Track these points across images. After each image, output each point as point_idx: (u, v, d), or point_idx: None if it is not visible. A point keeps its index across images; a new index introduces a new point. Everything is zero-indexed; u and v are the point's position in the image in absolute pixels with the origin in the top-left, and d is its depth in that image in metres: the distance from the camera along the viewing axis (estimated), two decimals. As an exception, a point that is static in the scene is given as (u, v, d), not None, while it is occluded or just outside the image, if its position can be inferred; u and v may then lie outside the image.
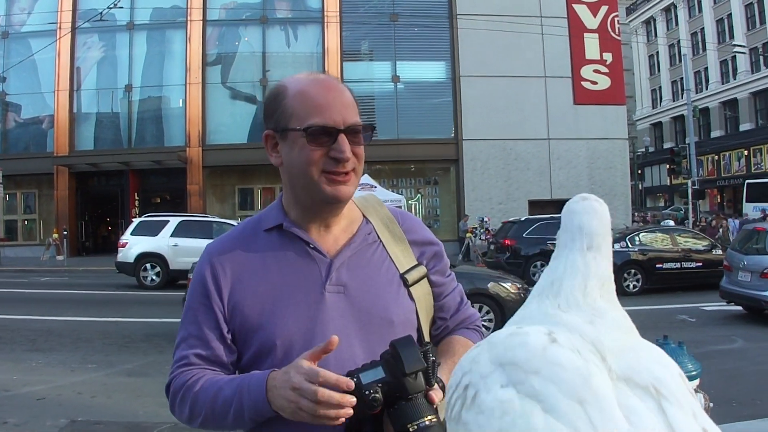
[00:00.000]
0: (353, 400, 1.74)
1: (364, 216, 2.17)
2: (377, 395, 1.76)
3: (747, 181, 43.64)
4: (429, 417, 1.76)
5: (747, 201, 41.38)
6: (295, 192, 2.05)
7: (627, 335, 1.35)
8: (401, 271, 2.10)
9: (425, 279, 2.14)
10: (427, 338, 2.14)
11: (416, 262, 2.15)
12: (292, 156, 1.99)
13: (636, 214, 46.44)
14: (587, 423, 1.15)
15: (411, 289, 2.09)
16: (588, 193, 1.52)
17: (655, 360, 1.30)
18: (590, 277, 1.39)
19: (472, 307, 2.32)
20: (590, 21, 36.59)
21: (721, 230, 33.61)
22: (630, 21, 78.50)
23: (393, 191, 32.45)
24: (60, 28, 35.33)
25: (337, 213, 2.08)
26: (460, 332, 2.24)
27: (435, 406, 1.81)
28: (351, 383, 1.74)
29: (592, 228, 1.44)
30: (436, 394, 1.82)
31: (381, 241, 2.13)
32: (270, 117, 2.04)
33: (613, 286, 1.43)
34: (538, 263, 22.55)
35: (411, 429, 1.75)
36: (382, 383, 1.77)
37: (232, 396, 1.87)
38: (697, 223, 37.44)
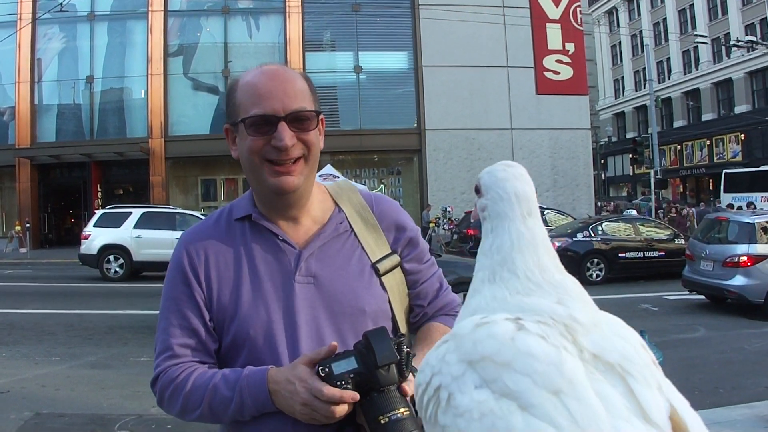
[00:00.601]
0: (350, 408, 1.80)
1: (336, 204, 2.17)
2: (348, 386, 1.78)
3: (725, 171, 43.00)
4: (401, 409, 1.77)
5: (725, 191, 40.83)
6: (251, 183, 2.08)
7: (593, 310, 1.35)
8: (373, 261, 2.09)
9: (398, 268, 2.14)
10: (403, 327, 2.14)
11: (389, 251, 2.14)
12: (241, 147, 2.01)
13: (601, 203, 46.60)
14: (567, 415, 1.15)
15: (383, 278, 2.09)
16: (509, 161, 1.50)
17: (617, 334, 1.31)
18: (539, 247, 1.39)
19: (455, 295, 2.30)
20: (552, 11, 36.73)
21: (688, 220, 33.71)
22: (592, 11, 78.77)
23: (356, 181, 32.40)
24: (20, 19, 34.92)
25: (298, 204, 2.08)
26: (439, 319, 2.21)
27: (408, 399, 1.81)
28: (356, 395, 1.78)
29: (527, 194, 1.43)
30: (409, 386, 1.82)
31: (353, 230, 2.12)
32: (227, 111, 2.06)
33: (555, 251, 1.43)
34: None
35: (382, 421, 1.76)
36: (354, 374, 1.79)
37: (230, 396, 1.89)
38: (667, 213, 37.52)
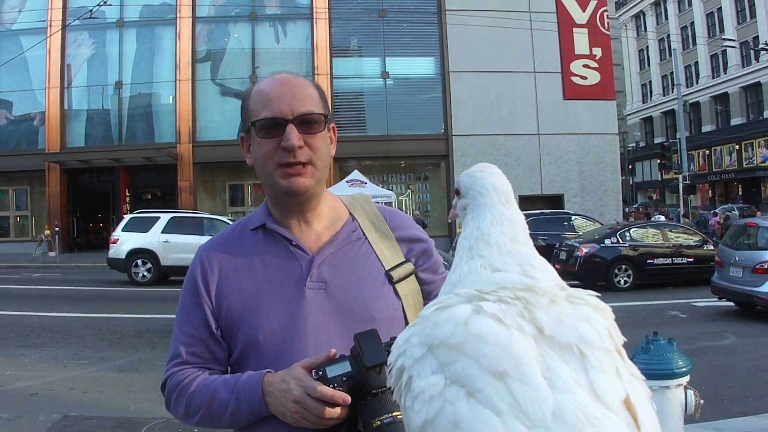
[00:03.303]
0: (344, 413, 1.81)
1: (350, 214, 2.19)
2: (341, 389, 1.78)
3: None
4: (395, 413, 1.75)
5: None
6: (265, 189, 2.12)
7: (559, 284, 1.42)
8: (387, 268, 2.10)
9: (413, 276, 2.14)
10: None
11: (403, 259, 2.15)
12: (255, 153, 2.06)
13: (629, 209, 46.19)
14: (509, 399, 1.20)
15: (397, 286, 2.10)
16: (485, 164, 1.71)
17: (580, 315, 1.33)
18: (516, 223, 1.51)
19: None
20: (579, 16, 36.58)
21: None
22: (619, 15, 78.52)
23: (383, 187, 32.49)
24: (50, 25, 35.32)
25: (310, 207, 2.11)
26: None
27: None
28: (347, 398, 1.78)
29: (504, 186, 1.59)
30: None
31: (366, 238, 2.14)
32: (242, 120, 2.13)
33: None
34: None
35: (375, 424, 1.76)
36: (347, 377, 1.79)
37: (228, 399, 1.93)
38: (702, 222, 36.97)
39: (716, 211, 42.62)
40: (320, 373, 1.80)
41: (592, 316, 1.35)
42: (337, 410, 1.78)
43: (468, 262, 1.47)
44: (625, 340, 1.39)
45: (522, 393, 1.20)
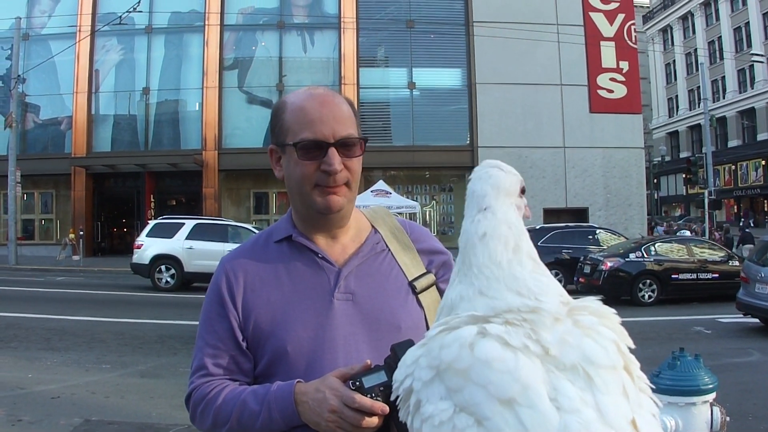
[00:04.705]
0: (380, 422, 1.81)
1: (372, 226, 2.20)
2: (379, 399, 1.79)
3: None
4: None
5: None
6: (295, 204, 2.11)
7: (563, 302, 1.40)
8: (410, 279, 2.12)
9: (434, 287, 2.15)
10: None
11: (425, 270, 2.17)
12: (290, 170, 2.04)
13: (656, 222, 45.97)
14: (517, 426, 1.23)
15: (420, 296, 2.11)
16: (496, 160, 1.57)
17: (584, 332, 1.34)
18: (490, 241, 1.45)
19: None
20: (607, 29, 36.53)
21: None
22: (647, 29, 78.28)
23: (408, 198, 32.46)
24: (80, 31, 35.60)
25: (339, 225, 2.12)
26: None
27: None
28: (386, 408, 1.78)
29: (482, 191, 1.50)
30: None
31: (389, 250, 2.16)
32: (272, 132, 2.10)
33: (526, 236, 1.48)
34: (553, 272, 22.52)
35: None
36: (384, 387, 1.79)
37: (258, 410, 1.92)
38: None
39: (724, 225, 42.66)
40: (357, 383, 1.81)
41: (597, 329, 1.36)
42: (375, 419, 1.79)
43: (459, 285, 1.48)
44: (634, 346, 1.39)
45: (530, 419, 1.23)
